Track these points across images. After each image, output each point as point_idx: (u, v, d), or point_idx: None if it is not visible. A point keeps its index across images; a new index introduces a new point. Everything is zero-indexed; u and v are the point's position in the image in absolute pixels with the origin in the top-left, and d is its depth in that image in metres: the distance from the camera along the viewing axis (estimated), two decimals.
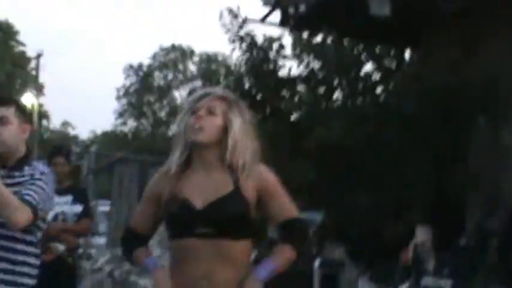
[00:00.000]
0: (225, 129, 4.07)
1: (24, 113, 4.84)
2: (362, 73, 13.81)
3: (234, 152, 4.05)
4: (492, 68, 10.41)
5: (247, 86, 14.22)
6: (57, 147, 12.12)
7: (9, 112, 4.70)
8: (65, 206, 8.41)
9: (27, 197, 4.47)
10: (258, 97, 13.97)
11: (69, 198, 8.47)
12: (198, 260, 3.95)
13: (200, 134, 4.02)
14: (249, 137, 4.11)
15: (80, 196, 8.65)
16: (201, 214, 3.96)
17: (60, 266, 8.17)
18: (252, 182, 4.06)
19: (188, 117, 4.10)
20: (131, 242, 4.22)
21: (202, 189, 4.02)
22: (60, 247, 8.18)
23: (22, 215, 4.43)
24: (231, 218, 3.99)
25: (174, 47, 53.53)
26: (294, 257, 4.06)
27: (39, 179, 4.62)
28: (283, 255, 4.09)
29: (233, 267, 3.96)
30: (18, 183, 4.55)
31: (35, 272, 4.73)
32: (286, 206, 4.15)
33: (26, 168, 4.68)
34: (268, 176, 4.15)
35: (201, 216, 3.96)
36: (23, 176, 4.64)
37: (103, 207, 20.11)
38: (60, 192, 8.07)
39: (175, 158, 4.11)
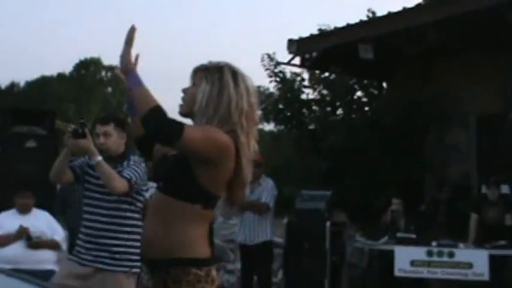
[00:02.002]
0: None
1: (121, 125, 4.82)
2: (355, 97, 13.70)
3: (196, 112, 2.93)
4: (440, 92, 10.47)
5: (280, 106, 14.29)
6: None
7: (110, 127, 4.74)
8: None
9: (123, 173, 4.58)
10: (288, 114, 14.07)
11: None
12: (151, 209, 3.03)
13: (180, 107, 3.01)
14: (212, 99, 2.89)
15: None
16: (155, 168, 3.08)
17: None
18: None
19: None
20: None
21: None
22: None
23: (119, 183, 4.49)
24: (166, 177, 2.93)
25: None
26: (142, 108, 2.71)
27: (133, 164, 4.70)
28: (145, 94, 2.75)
29: (163, 224, 2.82)
30: (119, 172, 4.58)
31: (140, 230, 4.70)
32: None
33: (125, 162, 4.74)
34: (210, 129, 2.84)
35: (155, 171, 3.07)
36: (123, 167, 4.68)
37: None
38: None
39: None
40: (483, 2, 8.45)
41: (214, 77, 2.96)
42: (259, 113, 3.11)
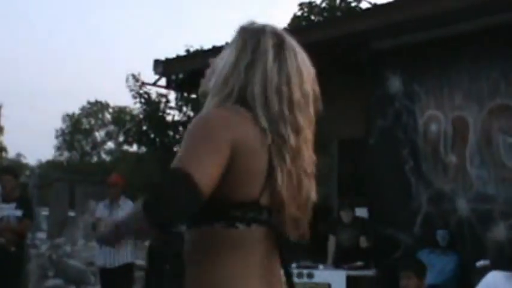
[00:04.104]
0: None
1: None
2: None
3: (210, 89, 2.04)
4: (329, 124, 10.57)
5: (144, 128, 14.21)
6: (5, 167, 11.87)
7: None
8: (9, 210, 8.14)
9: None
10: (152, 136, 14.00)
11: (13, 205, 8.17)
12: None
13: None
14: (237, 72, 1.97)
15: (21, 204, 8.28)
16: None
17: (5, 254, 7.98)
18: None
19: None
20: None
21: None
22: (2, 240, 7.99)
23: None
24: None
25: (96, 102, 53.01)
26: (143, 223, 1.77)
27: None
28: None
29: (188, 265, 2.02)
30: None
31: None
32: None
33: None
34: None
35: None
36: None
37: (44, 212, 19.91)
38: (7, 200, 8.13)
39: None
40: (346, 28, 8.70)
41: (247, 42, 2.03)
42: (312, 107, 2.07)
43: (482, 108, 7.67)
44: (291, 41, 2.08)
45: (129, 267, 8.69)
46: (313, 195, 2.05)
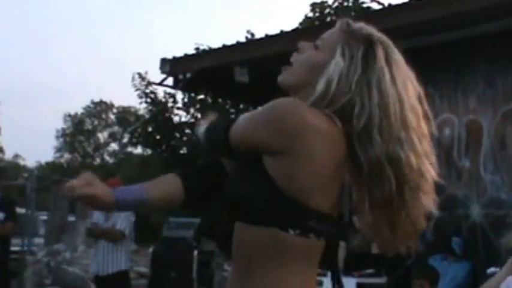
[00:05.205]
0: None
1: None
2: None
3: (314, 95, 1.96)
4: None
5: (150, 129, 14.34)
6: None
7: None
8: None
9: None
10: (158, 137, 14.12)
11: None
12: None
13: (283, 73, 2.12)
14: (355, 87, 1.92)
15: (2, 206, 8.45)
16: None
17: None
18: None
19: None
20: None
21: None
22: None
23: None
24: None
25: (101, 101, 53.24)
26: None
27: None
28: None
29: (238, 269, 1.99)
30: None
31: None
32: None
33: None
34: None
35: None
36: None
37: (42, 216, 19.95)
38: None
39: None
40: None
41: (356, 52, 1.99)
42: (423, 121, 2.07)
43: (497, 112, 7.91)
44: (397, 54, 2.05)
45: (123, 275, 8.66)
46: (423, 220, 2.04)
